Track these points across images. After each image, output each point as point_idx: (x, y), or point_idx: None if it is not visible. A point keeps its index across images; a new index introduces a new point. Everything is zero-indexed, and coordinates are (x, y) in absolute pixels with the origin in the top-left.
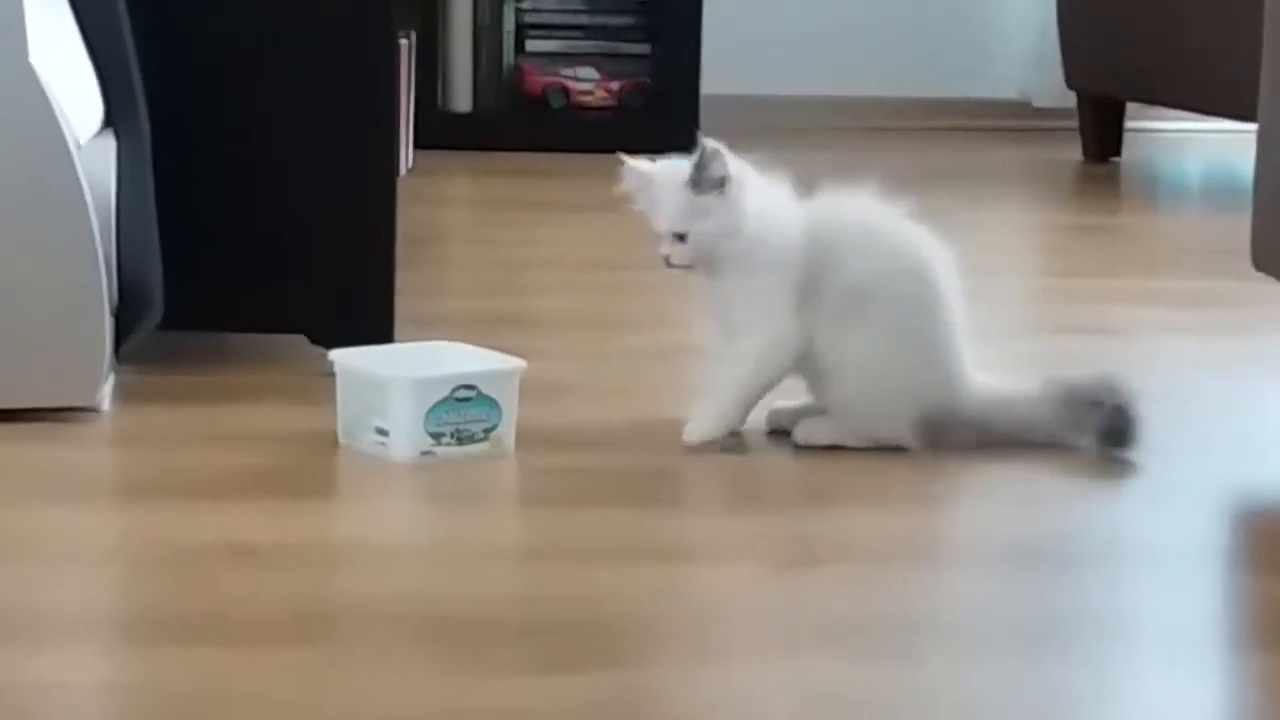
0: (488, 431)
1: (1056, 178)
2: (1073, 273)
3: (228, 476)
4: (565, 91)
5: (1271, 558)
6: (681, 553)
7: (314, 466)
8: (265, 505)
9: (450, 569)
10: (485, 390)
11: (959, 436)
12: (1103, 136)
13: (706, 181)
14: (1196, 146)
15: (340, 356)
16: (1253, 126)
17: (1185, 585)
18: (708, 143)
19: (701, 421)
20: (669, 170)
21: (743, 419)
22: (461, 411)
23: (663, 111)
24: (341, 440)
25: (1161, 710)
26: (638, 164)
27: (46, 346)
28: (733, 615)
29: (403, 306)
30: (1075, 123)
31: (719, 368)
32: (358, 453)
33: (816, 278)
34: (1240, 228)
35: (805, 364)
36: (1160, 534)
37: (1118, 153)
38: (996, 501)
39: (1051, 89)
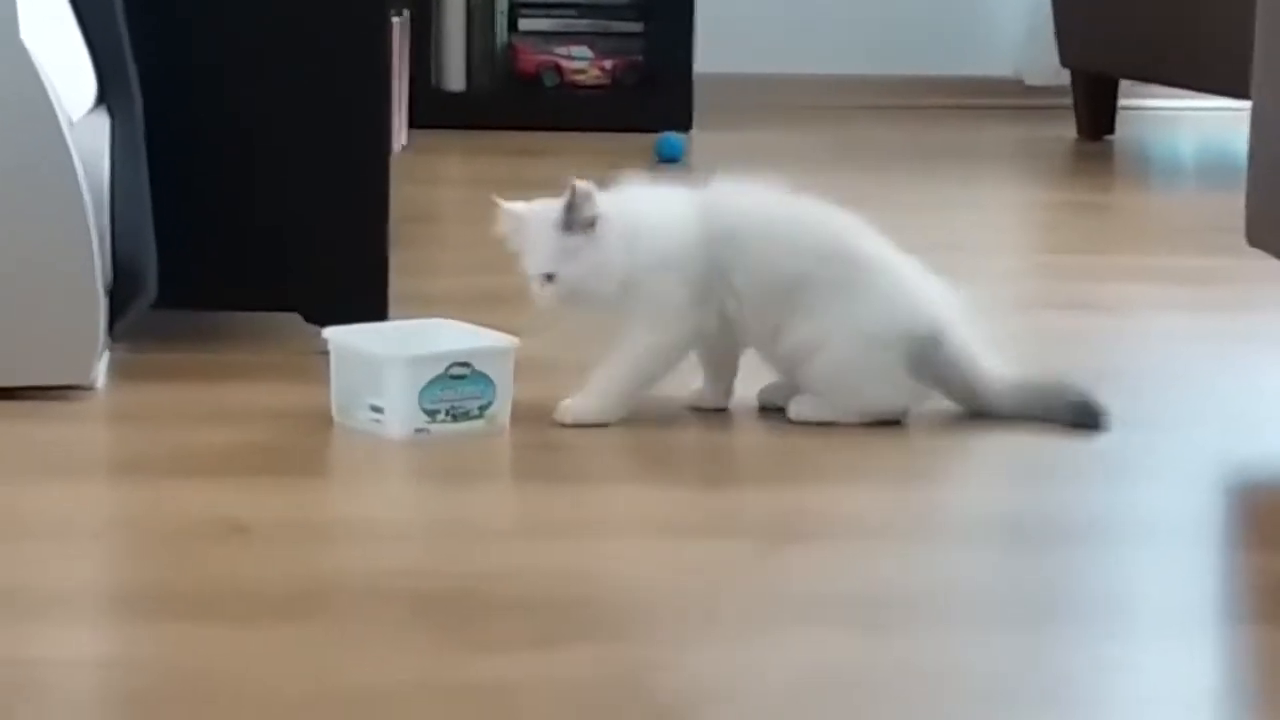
0: (483, 409)
1: (1050, 156)
2: (1066, 250)
3: (221, 454)
4: (559, 70)
5: (1264, 533)
6: (674, 528)
7: (308, 444)
8: (259, 482)
9: (443, 545)
10: (480, 368)
11: (949, 379)
12: (1096, 114)
13: (577, 223)
14: (1190, 124)
15: (334, 334)
16: (1246, 103)
17: (1178, 560)
18: (578, 184)
19: (581, 407)
20: (541, 211)
21: (624, 411)
22: (456, 389)
23: (656, 90)
24: (336, 418)
25: (1155, 684)
26: (511, 206)
27: (40, 325)
28: (725, 590)
29: (396, 285)
30: (1069, 101)
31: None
32: (352, 430)
33: (722, 270)
34: (1234, 205)
35: (772, 359)
36: (1153, 509)
37: (1111, 130)
38: (989, 477)
39: (1045, 67)
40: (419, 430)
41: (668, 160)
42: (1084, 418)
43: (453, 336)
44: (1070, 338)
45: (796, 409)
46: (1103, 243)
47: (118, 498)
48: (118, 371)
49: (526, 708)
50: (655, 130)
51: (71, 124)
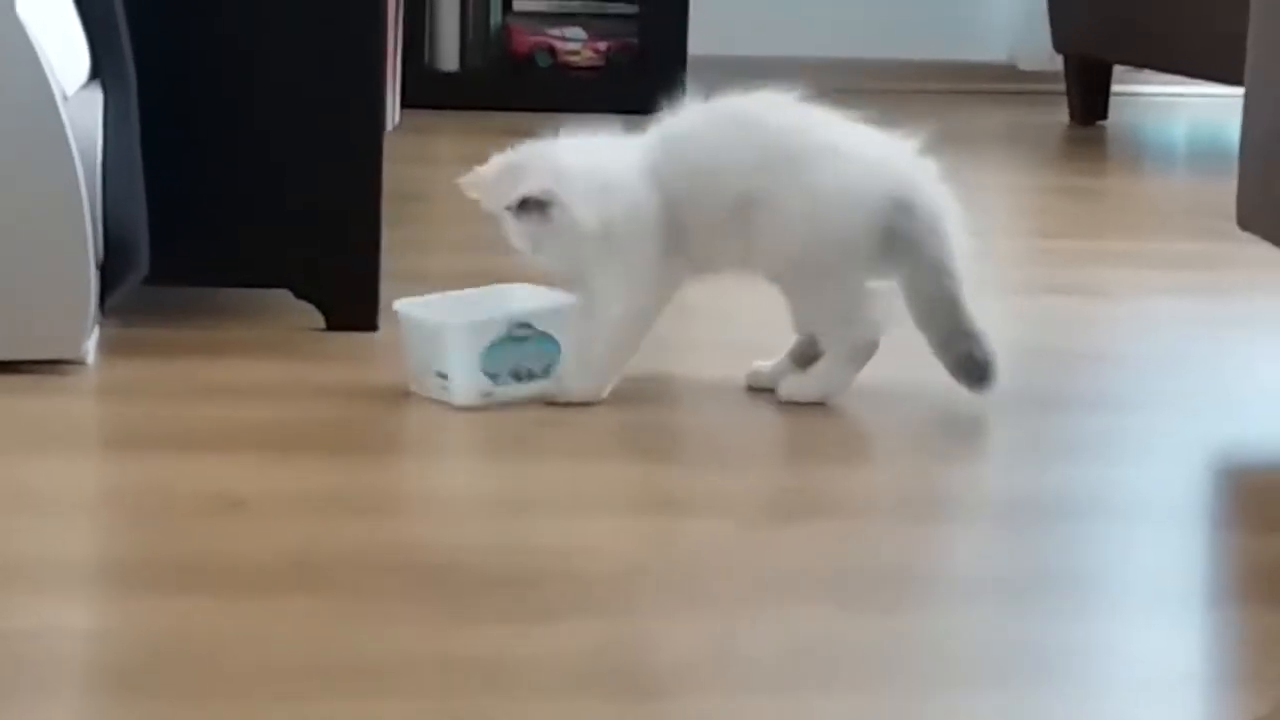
0: (548, 369)
1: (1043, 141)
2: (1059, 234)
3: (214, 429)
4: (552, 51)
5: (1253, 515)
6: (664, 505)
7: (300, 419)
8: (251, 457)
9: (435, 519)
10: (542, 328)
11: (921, 248)
12: (1089, 100)
13: (530, 214)
14: (1183, 110)
15: (401, 306)
16: (1239, 90)
17: (1169, 540)
18: (525, 196)
19: (576, 387)
20: (495, 190)
21: (614, 383)
22: (517, 350)
23: (650, 72)
24: (412, 387)
25: (1141, 663)
26: (471, 178)
27: (31, 298)
28: (714, 567)
29: (389, 263)
30: (1062, 86)
31: (587, 324)
32: (426, 399)
33: (675, 205)
34: (1226, 190)
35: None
36: (1145, 490)
37: (1104, 116)
38: (981, 458)
39: (1038, 52)
40: (485, 394)
41: None
42: (965, 374)
43: (518, 299)
44: (1062, 321)
45: (786, 389)
46: (1095, 227)
47: (109, 471)
48: (109, 346)
49: (514, 681)
50: (649, 112)
51: (65, 98)
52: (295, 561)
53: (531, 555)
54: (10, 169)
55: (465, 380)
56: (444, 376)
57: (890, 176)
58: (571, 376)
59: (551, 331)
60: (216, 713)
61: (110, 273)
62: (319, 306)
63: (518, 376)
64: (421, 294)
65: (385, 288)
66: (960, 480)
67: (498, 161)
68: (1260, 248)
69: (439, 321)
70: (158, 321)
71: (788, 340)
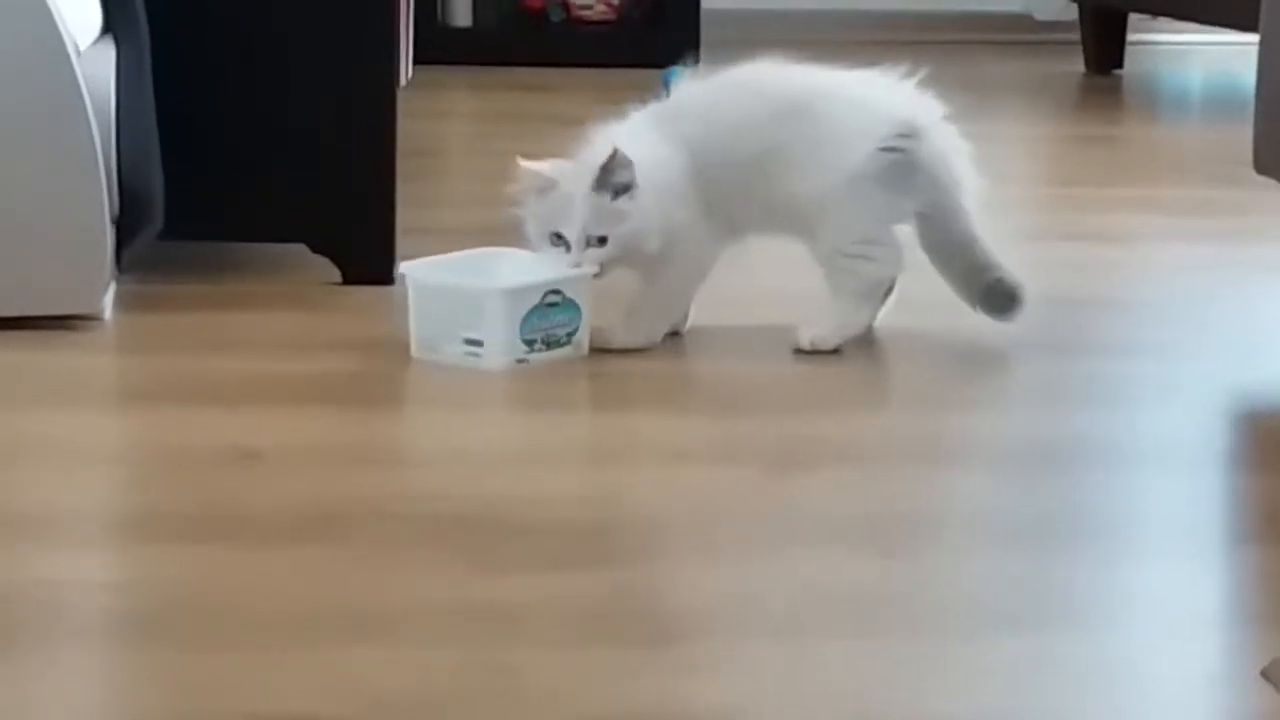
0: (570, 335)
1: (1059, 90)
2: (1076, 182)
3: (230, 382)
4: (565, 6)
5: (1271, 456)
6: (686, 455)
7: (316, 372)
8: (267, 410)
9: (456, 470)
10: (570, 295)
11: (930, 179)
12: (1104, 49)
13: (615, 186)
14: (1198, 58)
15: (413, 269)
16: (1254, 37)
17: (1186, 483)
18: (617, 148)
19: (629, 334)
20: (571, 173)
21: (665, 333)
22: (549, 317)
23: (663, 25)
24: (416, 354)
25: (1161, 602)
26: (536, 165)
27: (48, 254)
28: (734, 514)
29: (403, 217)
30: (1077, 35)
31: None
32: (441, 365)
33: (711, 166)
34: (1241, 137)
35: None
36: (1163, 435)
37: (1120, 65)
38: (1000, 404)
39: (1053, 2)
40: (520, 361)
41: None
42: (993, 303)
43: (527, 265)
44: (1080, 267)
45: (806, 337)
46: (1112, 175)
47: (126, 425)
48: (125, 302)
49: (530, 629)
50: (662, 65)
51: (79, 53)
52: (311, 512)
53: (547, 505)
54: (24, 124)
55: (502, 346)
56: (475, 343)
57: (891, 107)
58: (624, 329)
59: (576, 299)
60: (233, 661)
61: (126, 228)
62: (335, 261)
63: (547, 343)
64: (436, 248)
65: (400, 242)
66: (979, 426)
67: (557, 163)
68: (1276, 193)
69: (479, 287)
70: (174, 276)
71: (805, 289)
